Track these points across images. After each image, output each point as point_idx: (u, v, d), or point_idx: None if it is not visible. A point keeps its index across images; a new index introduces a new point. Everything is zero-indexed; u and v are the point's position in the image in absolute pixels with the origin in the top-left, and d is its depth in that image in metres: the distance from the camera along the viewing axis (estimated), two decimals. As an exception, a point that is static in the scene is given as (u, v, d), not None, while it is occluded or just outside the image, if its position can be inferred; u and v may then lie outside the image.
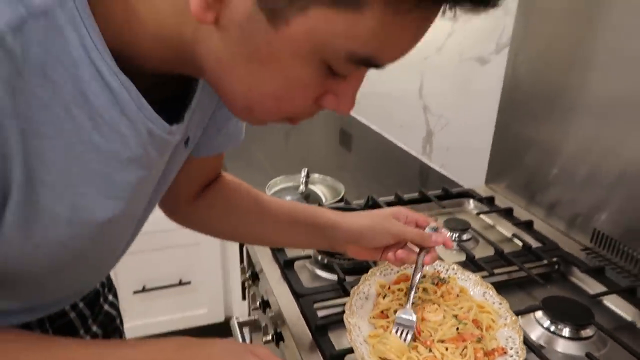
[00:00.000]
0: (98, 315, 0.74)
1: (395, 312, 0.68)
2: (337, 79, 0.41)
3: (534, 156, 1.11)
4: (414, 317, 0.66)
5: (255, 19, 0.36)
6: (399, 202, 1.14)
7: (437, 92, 1.47)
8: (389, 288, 0.74)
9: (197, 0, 0.36)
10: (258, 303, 0.96)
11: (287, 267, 0.87)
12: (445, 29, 1.37)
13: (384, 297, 0.72)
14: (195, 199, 0.71)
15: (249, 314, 1.19)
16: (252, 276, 1.03)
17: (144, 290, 1.80)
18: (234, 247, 1.72)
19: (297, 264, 0.89)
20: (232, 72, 0.41)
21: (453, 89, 1.39)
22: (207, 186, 0.72)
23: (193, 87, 0.51)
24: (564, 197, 1.05)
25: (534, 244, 0.99)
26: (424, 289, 0.72)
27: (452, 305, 0.69)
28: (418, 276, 0.67)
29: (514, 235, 1.01)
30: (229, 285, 1.93)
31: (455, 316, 0.67)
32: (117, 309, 0.80)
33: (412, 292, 0.68)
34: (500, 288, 0.85)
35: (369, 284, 0.75)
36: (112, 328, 0.77)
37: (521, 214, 1.12)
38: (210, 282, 1.90)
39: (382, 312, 0.70)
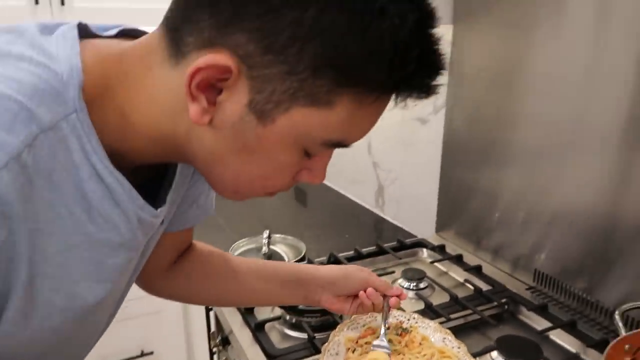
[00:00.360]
0: None
1: (366, 364, 0.73)
2: (308, 159, 0.49)
3: (477, 204, 1.22)
4: (386, 344, 0.75)
5: (246, 119, 0.43)
6: (359, 256, 1.21)
7: (385, 150, 1.58)
8: (357, 342, 0.79)
9: (195, 108, 0.42)
10: (230, 368, 0.98)
11: (258, 329, 0.90)
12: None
13: (353, 352, 0.77)
14: (169, 270, 0.74)
15: (219, 380, 1.19)
16: (223, 341, 1.05)
17: (104, 365, 1.74)
18: (197, 313, 1.72)
19: (267, 325, 0.93)
20: (224, 162, 0.47)
21: (399, 146, 1.51)
22: (180, 256, 0.75)
23: (172, 169, 0.56)
24: (507, 240, 1.15)
25: (485, 287, 1.07)
26: (389, 340, 0.78)
27: (416, 353, 0.75)
28: (388, 317, 0.78)
29: (466, 280, 1.10)
30: (193, 353, 1.89)
31: (419, 363, 0.73)
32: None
33: (384, 325, 0.77)
34: (458, 332, 0.92)
35: (338, 340, 0.80)
36: None
37: (470, 259, 1.21)
38: (173, 351, 1.86)
39: (353, 366, 0.74)
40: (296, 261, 1.23)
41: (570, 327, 0.93)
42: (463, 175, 1.25)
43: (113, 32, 0.50)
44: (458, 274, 1.16)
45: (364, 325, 0.83)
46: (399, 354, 0.74)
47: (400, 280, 1.11)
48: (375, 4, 0.39)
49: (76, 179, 0.42)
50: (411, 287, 1.09)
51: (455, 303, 0.99)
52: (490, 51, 1.11)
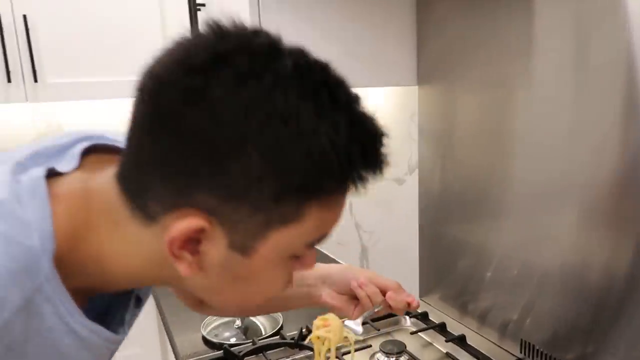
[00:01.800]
0: None
1: None
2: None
3: (460, 265, 1.16)
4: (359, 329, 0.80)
5: (231, 257, 0.44)
6: (336, 328, 1.14)
7: (365, 210, 1.54)
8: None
9: (183, 266, 0.44)
10: None
11: None
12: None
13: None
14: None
15: None
16: None
17: None
18: None
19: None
20: (222, 292, 0.49)
21: (378, 206, 1.46)
22: None
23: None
24: (493, 303, 1.08)
25: (468, 359, 1.00)
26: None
27: None
28: (375, 309, 0.77)
29: (447, 354, 1.02)
30: None
31: None
32: None
33: (367, 313, 0.78)
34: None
35: None
36: None
37: (455, 326, 1.13)
38: None
39: None
40: (273, 332, 1.17)
41: (560, 407, 0.85)
42: (444, 234, 1.20)
43: (75, 158, 0.49)
44: (442, 345, 1.08)
45: None
46: None
47: (378, 355, 1.04)
48: (307, 126, 0.40)
49: (51, 340, 0.43)
50: (390, 362, 1.02)
51: (435, 381, 0.92)
52: (458, 110, 1.09)
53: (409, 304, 0.78)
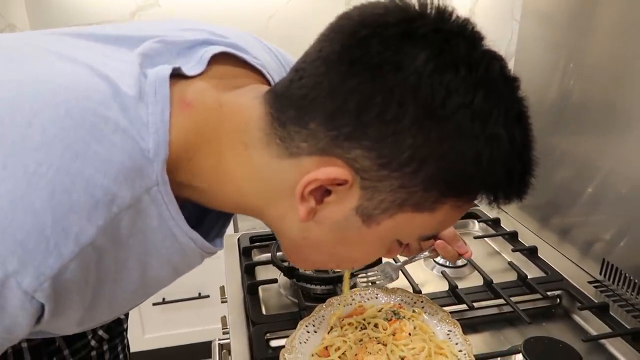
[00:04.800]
0: None
1: (337, 349, 0.62)
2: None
3: (555, 176, 0.99)
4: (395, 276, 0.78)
5: (351, 220, 0.44)
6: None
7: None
8: (343, 320, 0.68)
9: (304, 209, 0.43)
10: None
11: (251, 291, 0.83)
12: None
13: (329, 332, 0.66)
14: None
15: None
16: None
17: (163, 302, 1.82)
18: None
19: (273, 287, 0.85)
20: (317, 247, 0.48)
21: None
22: None
23: None
24: (583, 222, 0.93)
25: (536, 273, 0.88)
26: (375, 325, 0.65)
27: (402, 346, 0.62)
28: (417, 257, 0.74)
29: (510, 263, 0.91)
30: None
31: (402, 358, 0.60)
32: (125, 314, 0.82)
33: (410, 260, 0.76)
34: (483, 324, 0.77)
35: (323, 315, 0.70)
36: (117, 332, 0.80)
37: (529, 238, 1.01)
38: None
39: (325, 348, 0.64)
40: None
41: (633, 337, 0.72)
42: (536, 136, 1.03)
43: (203, 64, 0.47)
44: (509, 254, 0.97)
45: (358, 302, 0.72)
46: (379, 342, 0.62)
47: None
48: (489, 128, 0.40)
49: (152, 240, 0.43)
50: (446, 264, 0.94)
51: (488, 289, 0.83)
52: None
53: (460, 255, 0.73)
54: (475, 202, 0.46)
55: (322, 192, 0.42)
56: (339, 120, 0.40)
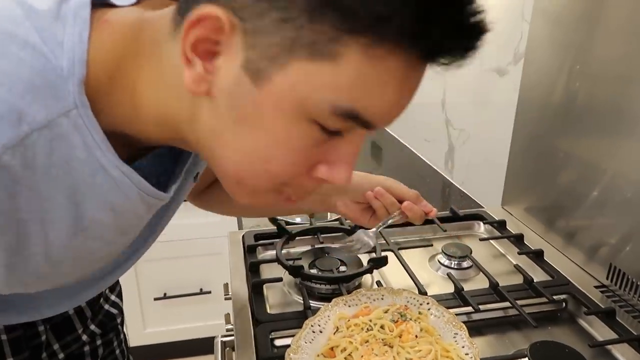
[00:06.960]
0: (97, 314, 0.76)
1: (343, 350, 0.62)
2: (329, 147, 0.42)
3: (559, 179, 0.99)
4: (373, 242, 0.79)
5: (242, 81, 0.38)
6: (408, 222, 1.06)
7: (458, 105, 1.37)
8: (349, 321, 0.68)
9: (189, 74, 0.39)
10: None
11: (255, 290, 0.83)
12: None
13: (335, 332, 0.66)
14: (203, 193, 0.79)
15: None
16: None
17: (165, 297, 1.82)
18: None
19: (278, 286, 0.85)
20: (223, 140, 0.42)
21: (473, 102, 1.29)
22: (210, 185, 0.78)
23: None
24: (589, 226, 0.92)
25: (542, 277, 0.88)
26: (381, 326, 0.65)
27: (408, 348, 0.62)
28: (389, 220, 0.75)
29: (516, 266, 0.91)
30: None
31: (409, 361, 0.60)
32: (119, 308, 0.81)
33: (382, 224, 0.75)
34: (488, 327, 0.77)
35: (328, 315, 0.69)
36: (111, 327, 0.79)
37: (534, 241, 1.00)
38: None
39: (331, 349, 0.64)
40: (334, 219, 1.14)
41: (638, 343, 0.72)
42: (543, 141, 1.02)
43: None
44: (514, 257, 0.97)
45: (364, 303, 0.72)
46: (385, 344, 0.61)
47: (439, 256, 0.96)
48: None
49: (80, 173, 0.41)
50: (452, 266, 0.93)
51: (494, 292, 0.82)
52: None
53: (426, 214, 0.75)
54: (395, 53, 0.36)
55: (208, 45, 0.38)
56: None
